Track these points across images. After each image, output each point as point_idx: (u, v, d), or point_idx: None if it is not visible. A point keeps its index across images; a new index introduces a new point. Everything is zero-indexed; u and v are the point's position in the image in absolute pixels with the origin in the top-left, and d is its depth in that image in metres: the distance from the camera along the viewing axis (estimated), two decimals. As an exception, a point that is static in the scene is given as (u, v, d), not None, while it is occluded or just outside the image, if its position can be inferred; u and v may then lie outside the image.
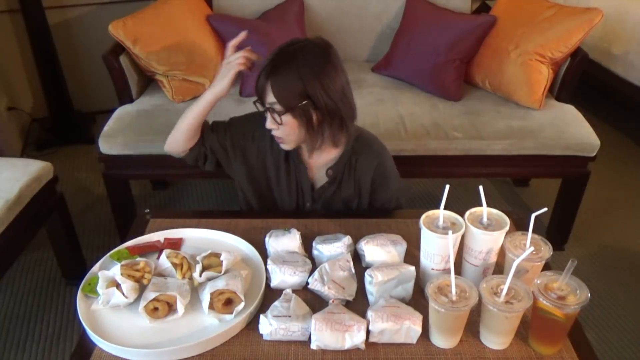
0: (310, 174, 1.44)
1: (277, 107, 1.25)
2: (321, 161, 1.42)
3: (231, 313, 1.05)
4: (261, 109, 1.31)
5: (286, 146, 1.36)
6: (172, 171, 2.11)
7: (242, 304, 1.06)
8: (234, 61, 1.33)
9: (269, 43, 2.19)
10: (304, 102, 1.25)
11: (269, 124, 1.30)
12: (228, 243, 1.27)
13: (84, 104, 3.17)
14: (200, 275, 1.12)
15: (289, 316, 1.02)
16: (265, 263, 1.17)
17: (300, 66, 1.23)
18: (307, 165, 1.43)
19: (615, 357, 1.79)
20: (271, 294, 1.12)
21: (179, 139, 1.44)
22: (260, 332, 1.03)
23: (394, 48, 2.38)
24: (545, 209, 1.10)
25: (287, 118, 1.27)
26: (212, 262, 1.15)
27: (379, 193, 1.46)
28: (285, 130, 1.30)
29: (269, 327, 1.01)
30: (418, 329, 1.01)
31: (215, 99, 1.37)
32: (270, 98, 1.25)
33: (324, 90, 1.24)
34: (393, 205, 1.49)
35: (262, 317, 1.03)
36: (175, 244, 1.27)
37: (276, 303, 1.06)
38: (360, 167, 1.41)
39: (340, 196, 1.45)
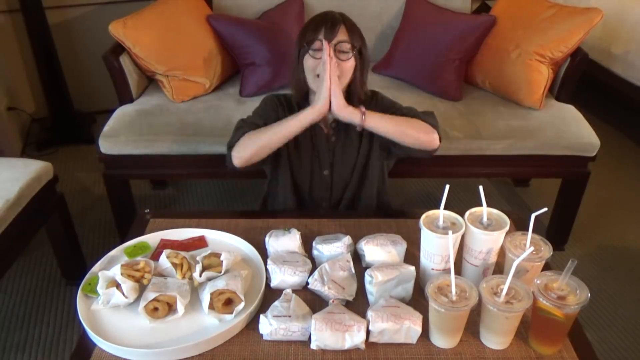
0: (327, 134, 1.48)
1: (347, 45, 1.35)
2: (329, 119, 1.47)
3: (231, 313, 1.05)
4: (318, 49, 1.35)
5: None
6: (172, 171, 2.11)
7: (242, 304, 1.06)
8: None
9: (269, 43, 2.19)
10: (362, 45, 1.40)
11: None
12: (228, 243, 1.27)
13: (84, 104, 3.17)
14: (200, 275, 1.12)
15: (289, 316, 1.02)
16: (265, 263, 1.17)
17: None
18: (321, 125, 1.47)
19: (615, 357, 1.79)
20: (271, 294, 1.12)
21: (262, 154, 1.39)
22: (260, 332, 1.03)
23: (394, 48, 2.38)
24: (545, 209, 1.10)
25: (350, 57, 1.37)
26: (212, 262, 1.15)
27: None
28: (341, 71, 1.36)
29: (269, 327, 1.01)
30: (418, 329, 1.01)
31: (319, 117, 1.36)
32: (342, 36, 1.35)
33: (365, 46, 1.43)
34: (421, 117, 1.42)
35: (262, 317, 1.03)
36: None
37: (276, 303, 1.06)
38: None
39: (351, 150, 1.47)
